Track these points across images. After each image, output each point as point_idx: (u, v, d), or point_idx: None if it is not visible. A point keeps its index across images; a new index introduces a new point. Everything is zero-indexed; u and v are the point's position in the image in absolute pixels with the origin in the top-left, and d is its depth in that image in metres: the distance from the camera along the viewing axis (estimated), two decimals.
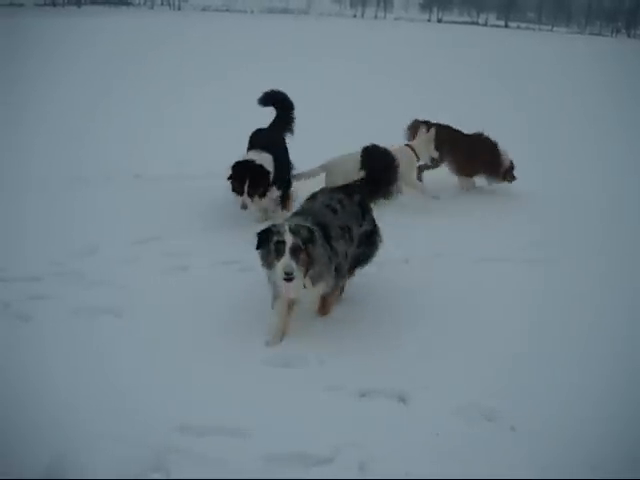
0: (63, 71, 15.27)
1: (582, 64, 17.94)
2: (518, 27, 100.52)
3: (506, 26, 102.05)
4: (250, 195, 7.44)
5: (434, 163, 9.05)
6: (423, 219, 8.06)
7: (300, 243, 4.97)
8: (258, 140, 8.06)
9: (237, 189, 7.48)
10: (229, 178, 7.52)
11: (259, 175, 7.48)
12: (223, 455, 4.12)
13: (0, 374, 4.90)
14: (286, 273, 4.90)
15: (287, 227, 5.01)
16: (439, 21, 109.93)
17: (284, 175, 7.98)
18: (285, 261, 4.91)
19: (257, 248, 5.16)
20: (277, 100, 8.56)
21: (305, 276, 5.12)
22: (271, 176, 7.61)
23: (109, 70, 15.67)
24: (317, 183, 7.59)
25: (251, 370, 4.92)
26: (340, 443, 4.24)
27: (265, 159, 7.62)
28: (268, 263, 5.14)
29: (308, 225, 5.14)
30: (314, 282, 5.22)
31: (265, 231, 5.14)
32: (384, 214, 7.96)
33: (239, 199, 7.47)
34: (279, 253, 4.97)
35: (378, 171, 6.37)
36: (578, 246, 7.51)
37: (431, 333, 5.52)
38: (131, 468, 4.04)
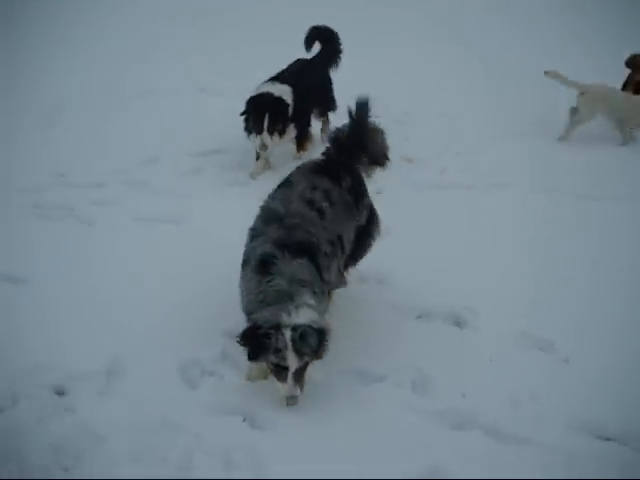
0: None
1: None
2: None
3: None
4: (270, 132, 6.67)
5: None
6: (490, 147, 7.85)
7: (309, 360, 3.81)
8: (288, 70, 7.37)
9: (255, 127, 6.68)
10: (243, 114, 6.78)
11: (279, 109, 6.73)
12: None
13: (62, 274, 5.05)
14: (289, 402, 3.84)
15: (289, 339, 3.66)
16: None
17: (307, 109, 7.27)
18: (289, 390, 3.79)
19: (250, 359, 3.86)
20: (322, 36, 7.69)
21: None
22: (290, 109, 6.85)
23: None
24: None
25: None
26: (396, 362, 4.26)
27: (283, 91, 6.87)
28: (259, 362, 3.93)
29: (317, 320, 3.76)
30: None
31: (257, 337, 3.73)
32: (452, 141, 7.89)
33: (257, 138, 6.70)
34: (280, 377, 3.80)
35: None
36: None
37: (489, 261, 5.42)
38: (187, 374, 4.16)
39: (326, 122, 7.77)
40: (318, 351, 3.77)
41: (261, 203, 4.43)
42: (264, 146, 6.70)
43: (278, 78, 7.07)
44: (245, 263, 4.10)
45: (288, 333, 3.65)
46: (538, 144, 7.96)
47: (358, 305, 4.79)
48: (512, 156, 7.54)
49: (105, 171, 6.66)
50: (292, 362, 3.70)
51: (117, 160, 6.91)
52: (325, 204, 4.33)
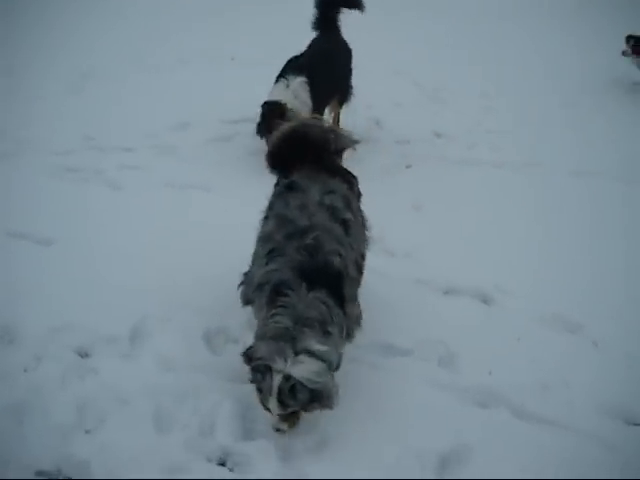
0: None
1: None
2: None
3: None
4: None
5: None
6: (521, 127, 7.73)
7: (294, 410, 3.37)
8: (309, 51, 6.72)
9: (265, 134, 5.89)
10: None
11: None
12: None
13: (90, 237, 5.08)
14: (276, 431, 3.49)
15: (276, 386, 3.23)
16: None
17: (324, 101, 6.52)
18: (274, 423, 3.42)
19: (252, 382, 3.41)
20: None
21: None
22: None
23: None
24: None
25: None
26: (422, 337, 4.23)
27: (296, 90, 6.20)
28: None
29: (314, 377, 3.23)
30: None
31: (250, 363, 3.37)
32: (483, 119, 7.77)
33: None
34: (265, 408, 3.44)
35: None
36: None
37: (519, 240, 5.35)
38: (211, 341, 4.17)
39: (337, 115, 6.95)
40: (308, 407, 3.32)
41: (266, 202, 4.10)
42: None
43: (294, 66, 6.40)
44: (260, 287, 3.64)
45: (277, 380, 3.21)
46: (570, 125, 7.86)
47: (385, 279, 4.71)
48: (544, 136, 7.44)
49: (135, 136, 6.69)
50: (274, 409, 3.32)
51: (147, 125, 6.94)
52: (349, 215, 3.86)
